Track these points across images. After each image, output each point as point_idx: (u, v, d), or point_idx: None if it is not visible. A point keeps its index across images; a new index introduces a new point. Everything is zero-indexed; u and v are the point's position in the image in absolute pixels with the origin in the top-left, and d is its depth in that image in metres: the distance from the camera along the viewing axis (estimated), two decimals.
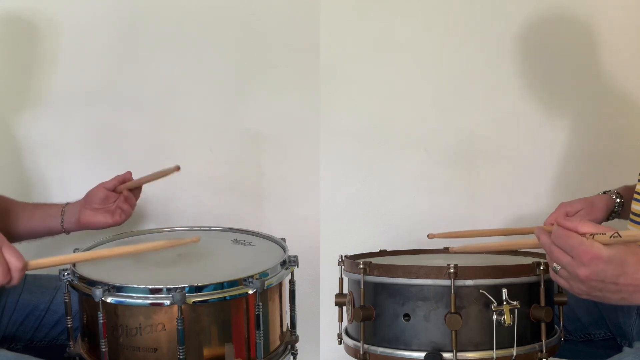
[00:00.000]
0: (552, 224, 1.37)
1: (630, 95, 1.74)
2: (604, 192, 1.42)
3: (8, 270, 1.02)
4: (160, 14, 1.72)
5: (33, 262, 1.06)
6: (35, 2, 1.65)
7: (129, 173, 1.41)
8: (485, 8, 1.75)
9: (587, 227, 0.90)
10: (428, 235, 1.32)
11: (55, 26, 1.66)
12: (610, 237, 0.88)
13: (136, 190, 1.44)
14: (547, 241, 0.95)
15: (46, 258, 1.07)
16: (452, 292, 1.01)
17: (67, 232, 1.42)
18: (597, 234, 0.89)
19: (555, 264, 0.94)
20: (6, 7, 1.63)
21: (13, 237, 1.37)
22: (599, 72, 1.74)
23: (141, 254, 1.31)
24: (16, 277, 1.04)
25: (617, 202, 1.39)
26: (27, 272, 1.43)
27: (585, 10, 1.72)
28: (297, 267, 1.23)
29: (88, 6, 1.68)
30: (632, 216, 1.27)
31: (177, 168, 1.32)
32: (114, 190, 1.39)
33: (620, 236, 0.87)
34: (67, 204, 1.42)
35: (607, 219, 1.42)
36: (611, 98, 1.75)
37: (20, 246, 1.12)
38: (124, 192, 1.39)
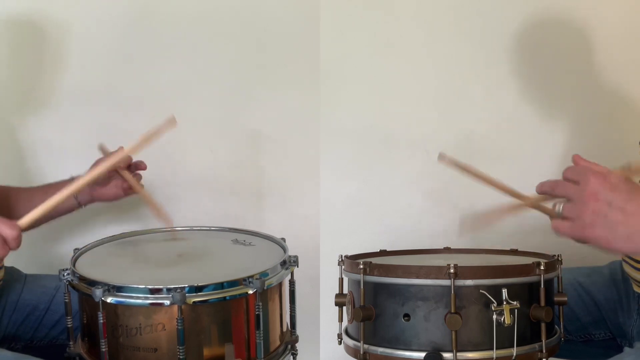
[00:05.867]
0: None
1: (629, 96, 1.75)
2: None
3: (4, 241, 1.02)
4: (161, 15, 1.72)
5: (24, 221, 1.06)
6: (38, 5, 1.65)
7: (122, 148, 1.38)
8: (485, 9, 1.75)
9: (600, 168, 0.87)
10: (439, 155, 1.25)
11: (57, 28, 1.66)
12: (621, 169, 0.86)
13: (140, 165, 1.43)
14: (551, 181, 0.91)
15: (33, 210, 1.08)
16: (452, 292, 1.01)
17: (82, 205, 1.43)
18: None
19: (558, 205, 0.90)
20: (10, 10, 1.63)
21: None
22: (597, 73, 1.74)
23: (141, 254, 1.31)
24: (14, 245, 1.04)
25: None
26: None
27: (584, 12, 1.72)
28: (297, 267, 1.23)
29: (90, 8, 1.68)
30: None
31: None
32: (115, 170, 1.39)
33: (630, 167, 0.86)
34: (73, 178, 1.41)
35: None
36: (610, 98, 1.75)
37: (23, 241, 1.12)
38: (120, 171, 1.37)
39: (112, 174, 1.37)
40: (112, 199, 1.42)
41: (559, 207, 0.90)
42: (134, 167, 1.40)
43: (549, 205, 0.99)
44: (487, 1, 1.76)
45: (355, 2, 1.79)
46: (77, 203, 1.42)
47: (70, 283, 1.13)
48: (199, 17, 1.73)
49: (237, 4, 1.75)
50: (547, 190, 0.94)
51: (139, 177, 1.42)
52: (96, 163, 1.38)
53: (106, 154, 1.37)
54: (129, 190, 1.40)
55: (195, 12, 1.73)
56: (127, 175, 1.37)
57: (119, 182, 1.39)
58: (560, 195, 0.90)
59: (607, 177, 0.84)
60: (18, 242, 1.04)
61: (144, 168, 1.43)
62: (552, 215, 1.25)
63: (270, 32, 1.76)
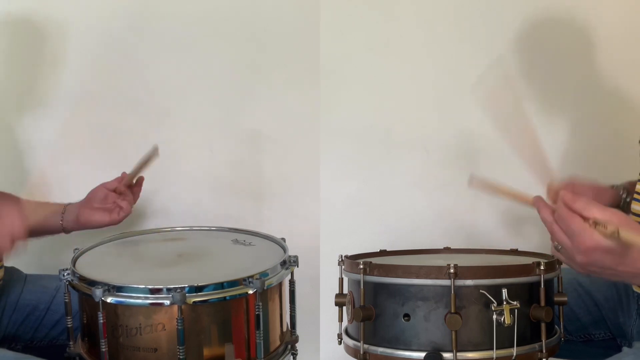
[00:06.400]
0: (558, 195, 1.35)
1: (629, 95, 1.74)
2: (612, 187, 1.41)
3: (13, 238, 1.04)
4: (161, 15, 1.72)
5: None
6: (37, 5, 1.65)
7: (124, 174, 1.41)
8: (485, 8, 1.75)
9: (592, 212, 0.87)
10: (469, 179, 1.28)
11: (56, 28, 1.66)
12: (610, 233, 0.86)
13: (136, 188, 1.44)
14: (549, 219, 0.94)
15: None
16: (452, 292, 1.01)
17: (66, 231, 1.42)
18: (600, 223, 0.86)
19: (556, 242, 0.94)
20: (9, 10, 1.63)
21: None
22: (598, 73, 1.74)
23: (141, 254, 1.31)
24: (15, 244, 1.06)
25: (623, 198, 1.39)
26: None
27: (584, 12, 1.72)
28: (297, 267, 1.23)
29: (89, 8, 1.68)
30: (631, 216, 1.27)
31: (156, 151, 1.31)
32: (114, 190, 1.39)
33: (619, 236, 0.85)
34: (69, 204, 1.42)
35: None
36: (610, 98, 1.75)
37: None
38: (119, 188, 1.39)
39: (109, 200, 1.39)
40: (97, 225, 1.40)
41: (557, 244, 0.94)
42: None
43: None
44: (487, 1, 1.75)
45: (355, 2, 1.79)
46: (61, 228, 1.41)
47: (70, 283, 1.13)
48: (198, 17, 1.73)
49: (237, 4, 1.75)
50: (544, 221, 0.97)
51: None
52: (95, 191, 1.40)
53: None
54: (119, 215, 1.39)
55: (195, 12, 1.73)
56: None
57: (108, 212, 1.39)
58: (556, 240, 0.94)
59: (597, 244, 0.87)
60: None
61: (140, 182, 1.45)
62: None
63: (270, 32, 1.76)
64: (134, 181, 1.43)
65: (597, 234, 0.87)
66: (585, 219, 0.88)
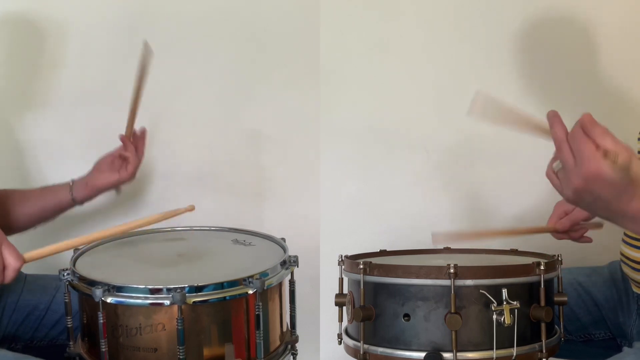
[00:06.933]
0: (555, 225, 1.37)
1: (629, 95, 1.74)
2: None
3: (4, 268, 1.02)
4: (161, 15, 1.72)
5: (29, 256, 1.06)
6: (37, 5, 1.65)
7: (123, 136, 1.43)
8: (485, 8, 1.75)
9: (607, 141, 0.85)
10: (432, 237, 1.29)
11: (56, 28, 1.66)
12: (620, 165, 0.84)
13: (140, 141, 1.46)
14: (562, 136, 0.90)
15: (42, 248, 1.08)
16: (452, 292, 1.01)
17: (77, 201, 1.44)
18: (611, 155, 0.84)
19: (557, 161, 0.91)
20: (8, 10, 1.63)
21: (24, 222, 1.40)
22: (598, 72, 1.74)
23: (141, 254, 1.31)
24: (10, 276, 1.03)
25: None
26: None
27: (585, 11, 1.72)
28: (297, 267, 1.23)
29: (91, 8, 1.68)
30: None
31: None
32: (120, 156, 1.41)
33: (629, 169, 0.84)
34: (73, 182, 1.44)
35: None
36: (610, 98, 1.75)
37: (20, 243, 1.12)
38: (122, 138, 1.41)
39: (115, 164, 1.40)
40: (108, 185, 1.42)
41: (557, 165, 0.91)
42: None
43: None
44: (487, 1, 1.75)
45: (355, 2, 1.79)
46: (71, 199, 1.42)
47: (70, 283, 1.13)
48: (198, 16, 1.73)
49: (237, 4, 1.75)
50: (555, 137, 0.92)
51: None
52: (102, 158, 1.41)
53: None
54: (128, 174, 1.41)
55: (195, 12, 1.73)
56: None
57: (116, 168, 1.42)
58: (560, 158, 0.90)
59: (601, 172, 0.84)
60: (16, 274, 1.04)
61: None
62: (548, 231, 1.26)
63: (270, 32, 1.76)
64: (138, 132, 1.45)
65: (606, 163, 0.84)
66: (597, 147, 0.86)
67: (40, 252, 1.08)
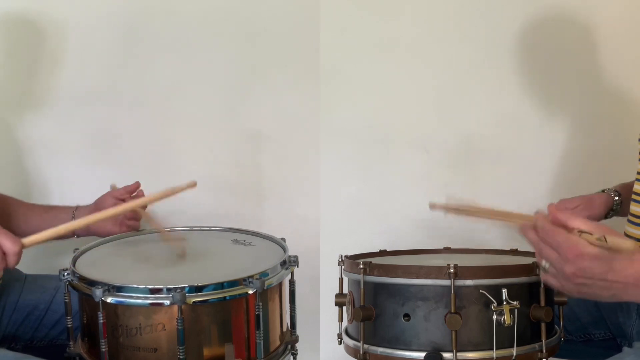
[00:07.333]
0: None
1: (629, 95, 1.75)
2: (603, 191, 1.42)
3: (3, 254, 1.03)
4: (161, 15, 1.72)
5: (28, 240, 1.06)
6: (37, 4, 1.65)
7: (137, 183, 1.42)
8: (485, 8, 1.75)
9: (577, 223, 0.88)
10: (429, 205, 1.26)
11: (56, 28, 1.66)
12: (597, 239, 0.86)
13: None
14: (535, 238, 0.92)
15: (41, 233, 1.08)
16: (452, 292, 1.01)
17: (77, 235, 1.42)
18: (585, 232, 0.86)
19: (544, 262, 0.92)
20: (9, 9, 1.63)
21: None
22: (598, 72, 1.74)
23: (141, 254, 1.31)
24: (13, 260, 1.04)
25: (616, 200, 1.40)
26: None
27: (585, 11, 1.72)
28: (297, 267, 1.23)
29: (90, 7, 1.68)
30: (630, 217, 1.27)
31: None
32: (123, 200, 1.39)
33: (607, 241, 0.85)
34: (77, 207, 1.43)
35: (606, 216, 1.42)
36: (610, 98, 1.75)
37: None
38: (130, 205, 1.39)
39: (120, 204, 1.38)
40: (107, 234, 1.40)
41: (545, 264, 0.92)
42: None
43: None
44: (488, 1, 1.75)
45: (355, 2, 1.79)
46: (71, 232, 1.41)
47: (70, 283, 1.13)
48: (198, 16, 1.73)
49: (237, 4, 1.75)
50: (531, 242, 0.95)
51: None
52: (103, 199, 1.40)
53: (114, 189, 1.40)
54: (128, 229, 1.41)
55: (195, 12, 1.73)
56: (145, 215, 1.40)
57: (119, 221, 1.40)
58: (543, 258, 0.92)
59: (583, 253, 0.86)
60: (18, 258, 1.04)
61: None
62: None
63: (270, 32, 1.76)
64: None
65: (583, 241, 0.86)
66: (569, 230, 0.88)
67: (39, 236, 1.08)
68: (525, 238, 0.95)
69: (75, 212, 1.42)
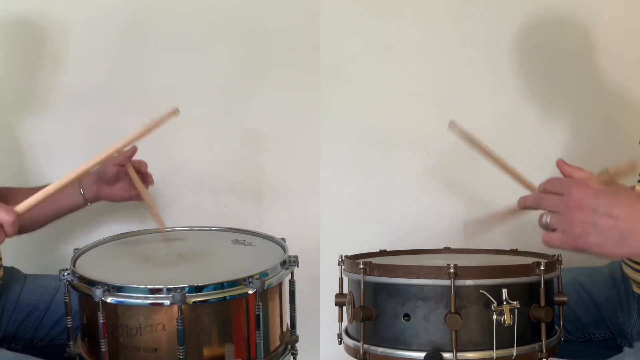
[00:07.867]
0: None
1: (629, 95, 1.74)
2: None
3: (0, 226, 1.03)
4: (161, 15, 1.72)
5: (21, 207, 1.06)
6: (37, 5, 1.65)
7: (134, 148, 1.41)
8: (485, 8, 1.75)
9: (583, 174, 0.88)
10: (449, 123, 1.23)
11: (56, 28, 1.66)
12: (599, 175, 0.85)
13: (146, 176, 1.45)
14: (534, 196, 0.90)
15: (31, 197, 1.08)
16: (452, 292, 1.01)
17: (88, 202, 1.45)
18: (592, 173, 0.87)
19: (544, 217, 0.89)
20: (8, 10, 1.63)
21: (39, 221, 1.41)
22: (598, 73, 1.74)
23: (141, 254, 1.31)
24: (10, 230, 1.04)
25: None
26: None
27: (585, 11, 1.72)
28: (297, 267, 1.23)
29: (90, 8, 1.68)
30: None
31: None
32: (122, 165, 1.40)
33: (609, 172, 0.85)
34: (81, 182, 1.43)
35: None
36: (611, 98, 1.75)
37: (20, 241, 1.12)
38: (128, 171, 1.40)
39: (121, 174, 1.38)
40: (118, 199, 1.44)
41: (547, 219, 0.90)
42: (137, 169, 1.42)
43: (537, 214, 0.98)
44: (488, 1, 1.75)
45: (355, 2, 1.79)
46: (83, 200, 1.43)
47: (70, 283, 1.13)
48: (198, 17, 1.73)
49: (237, 4, 1.75)
50: (530, 205, 0.95)
51: (148, 184, 1.44)
52: (105, 167, 1.40)
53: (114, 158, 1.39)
54: (135, 197, 1.43)
55: (195, 12, 1.73)
56: (134, 176, 1.40)
57: (127, 185, 1.42)
58: (545, 208, 0.90)
59: (588, 185, 0.84)
60: (15, 228, 1.04)
61: (145, 170, 1.44)
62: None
63: (270, 32, 1.76)
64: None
65: (585, 179, 0.85)
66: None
67: (31, 200, 1.08)
68: (524, 205, 0.94)
69: (81, 186, 1.43)
